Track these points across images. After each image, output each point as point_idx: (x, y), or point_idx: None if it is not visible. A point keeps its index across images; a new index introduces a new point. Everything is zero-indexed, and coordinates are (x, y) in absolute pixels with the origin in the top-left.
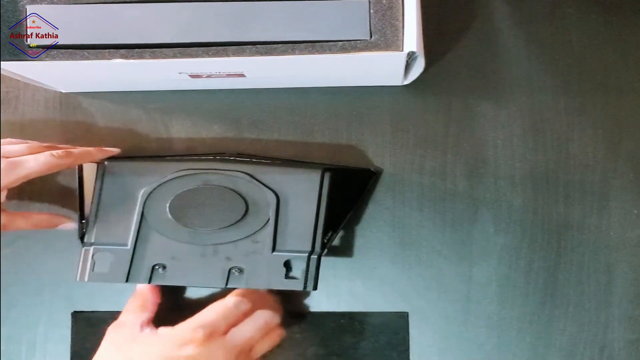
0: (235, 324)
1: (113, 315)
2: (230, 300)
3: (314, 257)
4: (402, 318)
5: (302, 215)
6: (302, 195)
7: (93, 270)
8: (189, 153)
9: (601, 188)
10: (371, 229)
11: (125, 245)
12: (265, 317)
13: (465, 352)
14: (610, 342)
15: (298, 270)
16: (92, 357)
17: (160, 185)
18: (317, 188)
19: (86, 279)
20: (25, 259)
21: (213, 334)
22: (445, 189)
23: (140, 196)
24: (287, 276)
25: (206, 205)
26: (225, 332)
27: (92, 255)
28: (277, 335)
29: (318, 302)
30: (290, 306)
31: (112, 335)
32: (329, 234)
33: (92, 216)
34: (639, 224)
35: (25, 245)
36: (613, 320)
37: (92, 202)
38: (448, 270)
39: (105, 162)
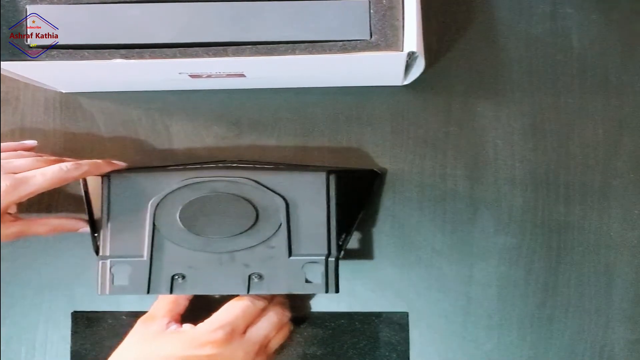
0: (252, 322)
1: (113, 315)
2: (248, 298)
3: (332, 259)
4: (402, 318)
5: (313, 219)
6: (310, 198)
7: (113, 284)
8: (190, 162)
9: (601, 188)
10: (371, 229)
11: (142, 256)
12: (278, 314)
13: (465, 352)
14: (611, 342)
15: (317, 273)
16: (92, 357)
17: (167, 195)
18: (324, 191)
19: (107, 292)
20: (25, 259)
21: (233, 333)
22: (445, 189)
23: (149, 207)
24: (307, 280)
25: (216, 213)
26: (244, 331)
27: (110, 268)
28: (287, 330)
29: (318, 302)
30: (291, 306)
31: (140, 328)
32: (343, 236)
33: (103, 229)
34: (639, 224)
35: (25, 245)
36: (613, 321)
37: (101, 215)
38: (448, 270)
39: (110, 175)
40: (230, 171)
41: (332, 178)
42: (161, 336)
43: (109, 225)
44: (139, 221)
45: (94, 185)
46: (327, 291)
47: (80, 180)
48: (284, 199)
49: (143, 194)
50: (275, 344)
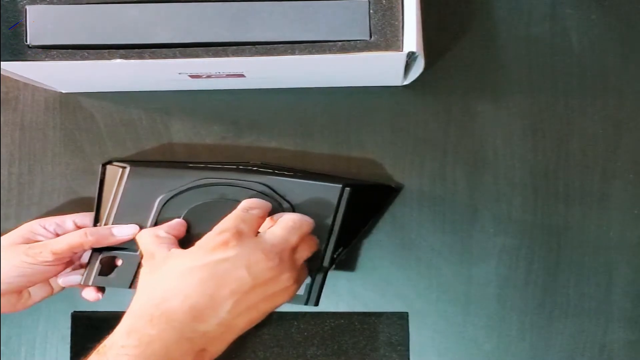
0: (258, 227)
1: (113, 315)
2: (239, 207)
3: (321, 273)
4: (402, 318)
5: (316, 230)
6: (319, 209)
7: (98, 275)
8: (214, 161)
9: (601, 188)
10: (371, 229)
11: (135, 251)
12: (293, 219)
13: (465, 352)
14: (610, 342)
15: (303, 284)
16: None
17: (177, 194)
18: (335, 204)
19: (91, 282)
20: None
21: (240, 234)
22: (445, 189)
23: (157, 203)
24: None
25: (220, 218)
26: (255, 234)
27: (100, 259)
28: (313, 242)
29: None
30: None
31: (145, 267)
32: (340, 250)
33: (108, 220)
34: (638, 224)
35: None
36: (613, 321)
37: (109, 206)
38: (448, 270)
39: (129, 167)
40: (245, 174)
41: (347, 192)
42: (169, 258)
43: (114, 216)
44: (143, 216)
45: (111, 174)
46: (306, 304)
47: (100, 168)
48: (292, 207)
49: (155, 189)
50: (301, 255)
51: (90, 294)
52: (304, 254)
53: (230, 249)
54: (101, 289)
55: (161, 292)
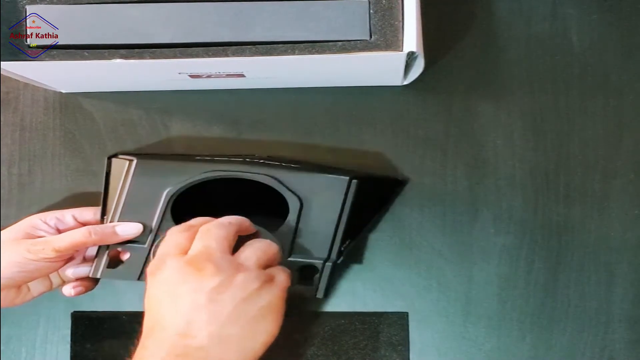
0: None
1: (113, 315)
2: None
3: (329, 264)
4: (402, 318)
5: (324, 222)
6: (326, 201)
7: (107, 268)
8: (221, 154)
9: (601, 188)
10: (371, 229)
11: (143, 243)
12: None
13: (465, 352)
14: (611, 342)
15: (311, 277)
16: (92, 357)
17: (184, 187)
18: (342, 196)
19: (99, 275)
20: None
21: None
22: (445, 189)
23: (164, 195)
24: (300, 282)
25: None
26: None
27: (108, 252)
28: (263, 244)
29: (318, 302)
30: (291, 306)
31: (172, 270)
32: (347, 242)
33: (115, 213)
34: (639, 224)
35: None
36: (613, 321)
37: (117, 199)
38: (448, 270)
39: (136, 159)
40: (252, 167)
41: (354, 184)
42: (151, 280)
43: (121, 209)
44: (151, 209)
45: (118, 167)
46: (316, 295)
47: (105, 160)
48: (300, 199)
49: (162, 182)
50: (248, 256)
51: (68, 290)
52: (251, 254)
53: (200, 276)
54: (85, 285)
55: (152, 315)
